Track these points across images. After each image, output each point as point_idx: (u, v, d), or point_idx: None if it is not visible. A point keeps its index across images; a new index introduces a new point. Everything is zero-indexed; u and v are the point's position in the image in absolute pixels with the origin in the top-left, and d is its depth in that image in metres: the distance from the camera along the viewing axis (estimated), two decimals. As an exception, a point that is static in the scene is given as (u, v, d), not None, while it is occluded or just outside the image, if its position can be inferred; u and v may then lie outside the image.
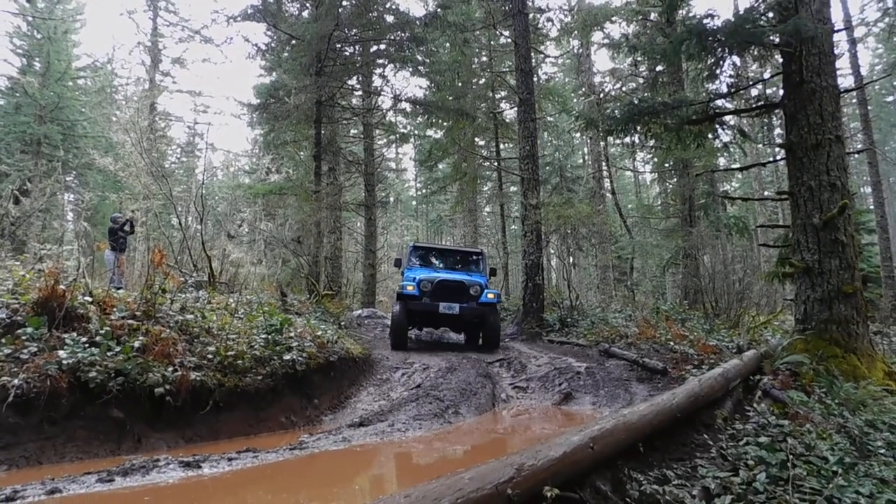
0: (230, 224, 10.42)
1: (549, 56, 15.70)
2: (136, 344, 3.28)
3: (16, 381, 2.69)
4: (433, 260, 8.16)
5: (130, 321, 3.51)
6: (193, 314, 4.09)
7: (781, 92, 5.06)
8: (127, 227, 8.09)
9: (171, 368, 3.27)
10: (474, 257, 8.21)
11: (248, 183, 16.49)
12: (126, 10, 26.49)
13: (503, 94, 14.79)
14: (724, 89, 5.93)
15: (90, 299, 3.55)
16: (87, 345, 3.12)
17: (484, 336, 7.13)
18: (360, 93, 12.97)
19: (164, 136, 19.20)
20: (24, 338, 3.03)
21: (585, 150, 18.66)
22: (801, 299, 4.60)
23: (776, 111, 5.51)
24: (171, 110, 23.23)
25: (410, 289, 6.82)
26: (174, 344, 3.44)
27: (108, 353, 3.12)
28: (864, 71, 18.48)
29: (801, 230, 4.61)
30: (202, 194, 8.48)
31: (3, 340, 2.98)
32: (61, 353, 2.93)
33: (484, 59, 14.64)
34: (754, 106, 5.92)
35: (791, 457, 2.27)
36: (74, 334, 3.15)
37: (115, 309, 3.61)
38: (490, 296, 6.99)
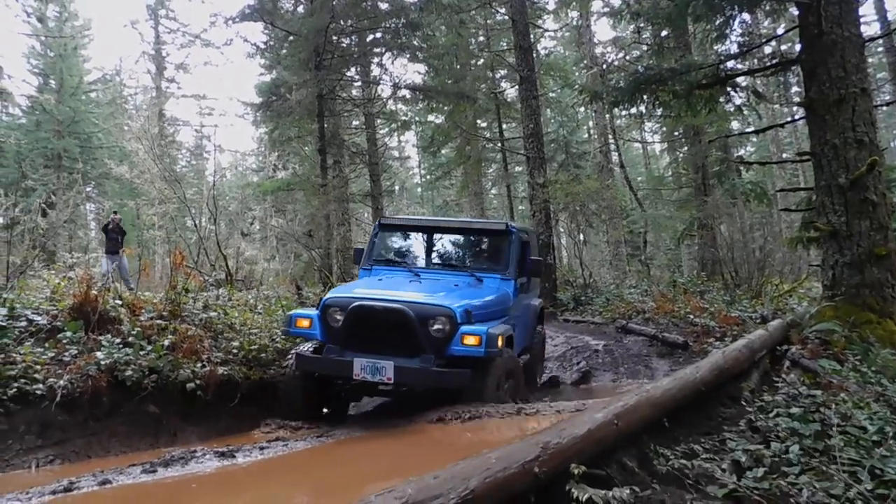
0: (242, 222, 10.66)
1: (547, 30, 15.23)
2: (166, 342, 3.45)
3: (61, 382, 2.87)
4: (414, 250, 4.48)
5: (159, 321, 3.69)
6: (216, 311, 4.25)
7: (798, 47, 4.85)
8: (111, 226, 8.03)
9: (199, 364, 3.43)
10: (491, 241, 4.37)
11: (256, 181, 16.71)
12: (129, 21, 26.72)
13: (503, 73, 14.49)
14: (735, 49, 5.72)
15: (120, 302, 3.74)
16: (121, 345, 3.29)
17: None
18: (359, 83, 12.90)
19: (173, 141, 19.55)
20: (64, 341, 3.22)
21: (590, 124, 18.25)
22: (829, 264, 4.45)
23: (793, 68, 5.28)
24: (178, 115, 23.53)
25: (304, 325, 3.43)
26: (201, 341, 3.60)
27: (141, 353, 3.29)
28: (891, 16, 17.34)
29: (826, 191, 4.44)
30: (214, 195, 8.66)
31: (47, 345, 3.18)
32: (99, 354, 3.11)
33: (481, 39, 14.33)
34: (769, 64, 5.69)
35: (826, 427, 2.20)
36: (109, 336, 3.33)
37: (143, 310, 3.80)
38: (471, 341, 3.18)
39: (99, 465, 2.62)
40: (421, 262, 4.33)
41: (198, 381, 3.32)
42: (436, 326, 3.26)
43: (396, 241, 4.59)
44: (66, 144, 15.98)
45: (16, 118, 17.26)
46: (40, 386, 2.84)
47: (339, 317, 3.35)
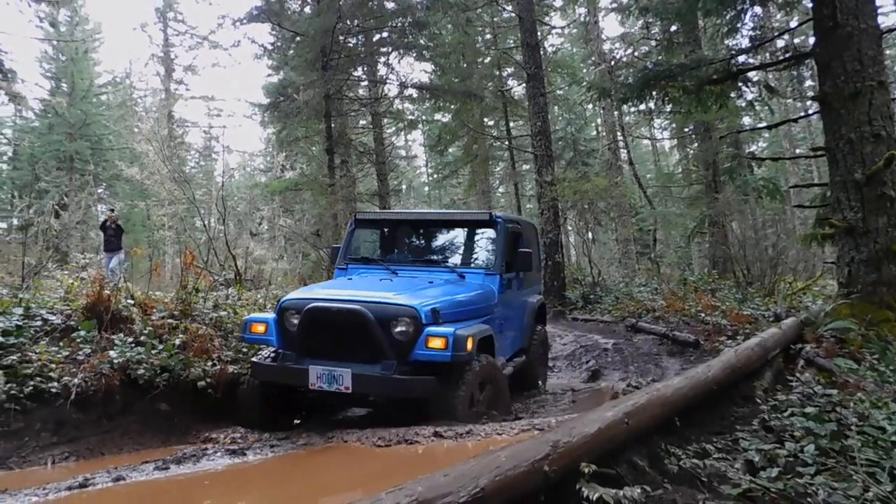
0: (251, 222, 10.76)
1: (554, 27, 15.14)
2: (177, 341, 3.49)
3: (76, 381, 2.92)
4: (392, 247, 4.20)
5: (170, 320, 3.74)
6: (226, 311, 4.30)
7: (812, 40, 4.78)
8: (109, 223, 8.04)
9: (210, 363, 3.47)
10: (475, 233, 3.96)
11: (264, 181, 16.85)
12: (139, 24, 27.21)
13: (510, 70, 14.42)
14: (747, 44, 5.63)
15: (132, 302, 3.80)
16: (133, 344, 3.34)
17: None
18: (366, 83, 12.95)
19: (182, 142, 19.83)
20: (78, 341, 3.28)
21: (599, 121, 18.06)
22: (845, 261, 4.38)
23: (807, 61, 5.19)
24: (186, 117, 23.99)
25: (259, 330, 3.22)
26: (211, 340, 3.64)
27: (153, 352, 3.33)
28: (908, 6, 16.85)
29: (841, 187, 4.36)
30: (223, 196, 8.75)
31: (61, 344, 3.24)
32: (112, 353, 3.16)
33: (488, 36, 14.29)
34: (781, 58, 5.59)
35: (842, 427, 2.17)
36: (121, 335, 3.38)
37: (155, 310, 3.85)
38: (437, 343, 2.85)
39: (112, 462, 2.66)
40: (400, 259, 3.99)
41: (208, 380, 3.35)
42: (398, 328, 2.90)
43: (374, 238, 4.29)
44: (77, 147, 16.31)
45: (29, 121, 17.67)
46: (55, 384, 2.90)
47: (295, 320, 3.08)
